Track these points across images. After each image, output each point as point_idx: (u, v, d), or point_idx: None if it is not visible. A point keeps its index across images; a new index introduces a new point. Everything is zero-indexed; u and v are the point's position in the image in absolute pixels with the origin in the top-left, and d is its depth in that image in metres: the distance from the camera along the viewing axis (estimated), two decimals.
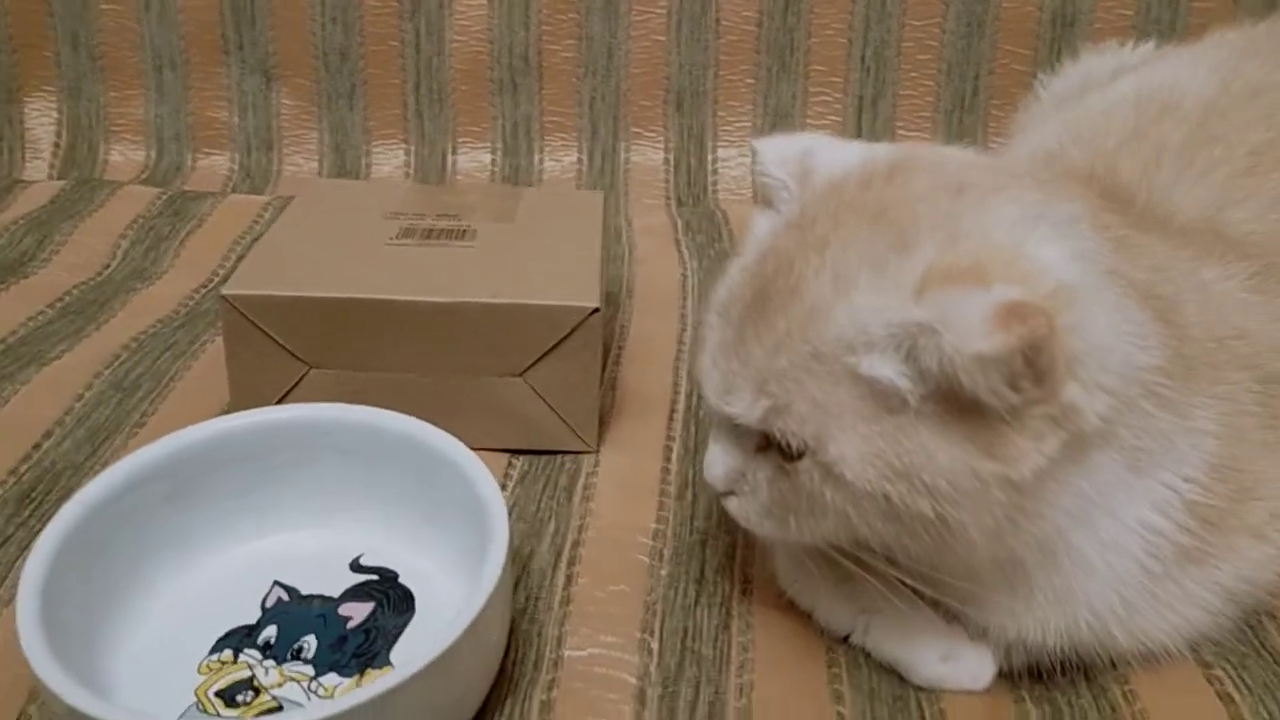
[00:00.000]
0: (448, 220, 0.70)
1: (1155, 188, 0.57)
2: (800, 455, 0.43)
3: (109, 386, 0.68)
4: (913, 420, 0.40)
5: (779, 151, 0.48)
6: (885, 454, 0.41)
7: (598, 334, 0.61)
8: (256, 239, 0.88)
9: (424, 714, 0.43)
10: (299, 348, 0.61)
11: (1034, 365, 0.38)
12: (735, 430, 0.46)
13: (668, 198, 1.05)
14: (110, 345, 0.73)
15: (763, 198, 0.49)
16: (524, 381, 0.62)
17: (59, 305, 0.78)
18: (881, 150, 0.48)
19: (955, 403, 0.40)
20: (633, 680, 0.49)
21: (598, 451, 0.64)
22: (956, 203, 0.43)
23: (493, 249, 0.66)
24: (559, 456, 0.63)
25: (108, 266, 0.85)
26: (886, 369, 0.40)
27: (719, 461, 0.47)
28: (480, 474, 0.50)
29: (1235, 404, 0.48)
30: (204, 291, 0.82)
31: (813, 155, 0.48)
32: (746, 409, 0.43)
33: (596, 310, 0.60)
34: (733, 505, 0.47)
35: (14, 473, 0.60)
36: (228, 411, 0.57)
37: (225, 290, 0.60)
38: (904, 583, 0.47)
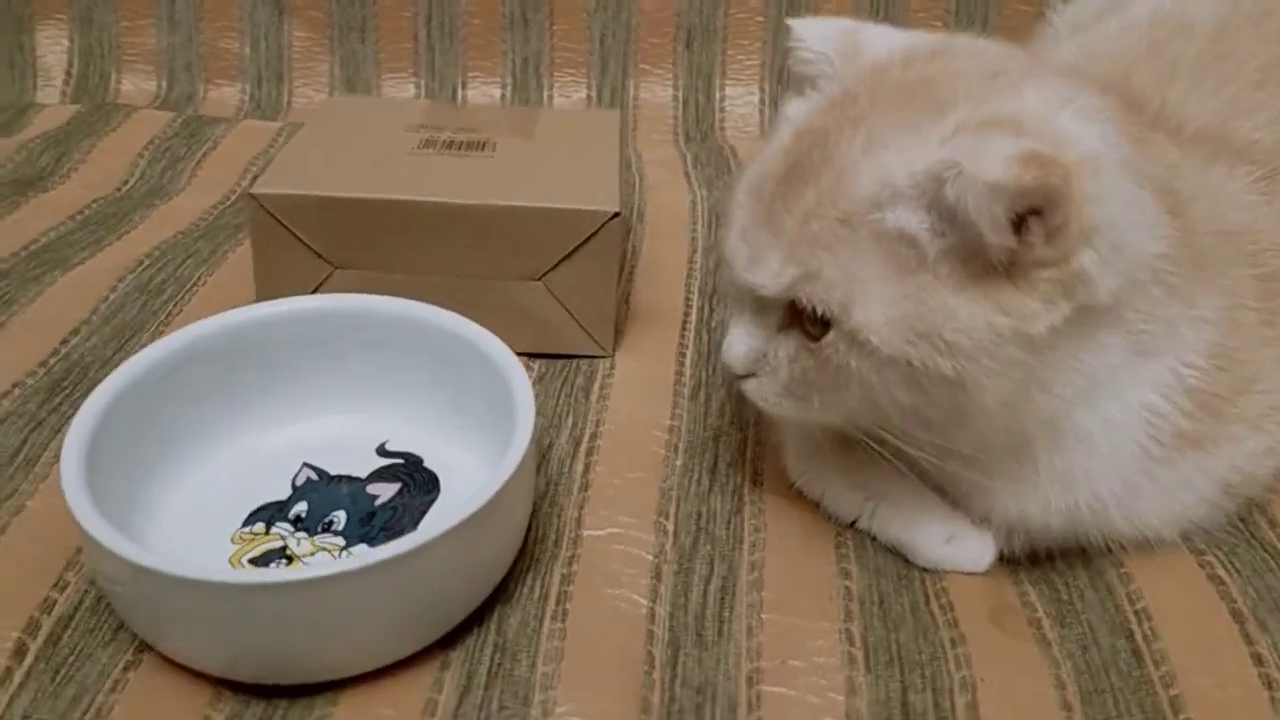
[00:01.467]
0: (467, 134, 0.71)
1: (1168, 99, 0.58)
2: (826, 326, 0.44)
3: (133, 289, 0.70)
4: (933, 280, 0.42)
5: (821, 30, 0.50)
6: (909, 316, 0.42)
7: (617, 238, 0.63)
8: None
9: (449, 578, 0.45)
10: (325, 248, 0.62)
11: (1047, 219, 0.40)
12: (758, 309, 0.48)
13: (675, 134, 1.06)
14: (133, 253, 0.74)
15: (797, 80, 0.51)
16: (543, 285, 0.63)
17: (79, 218, 0.79)
18: (923, 36, 0.50)
19: (973, 260, 0.42)
20: (649, 557, 0.51)
21: (613, 357, 0.66)
22: (993, 82, 0.45)
23: (513, 159, 0.68)
24: (575, 361, 0.65)
25: (125, 183, 0.86)
26: (910, 219, 0.42)
27: (740, 342, 0.49)
28: (506, 358, 0.52)
29: (1237, 298, 0.50)
30: (223, 207, 0.83)
31: (858, 35, 0.49)
32: (774, 278, 0.45)
33: (617, 214, 0.62)
34: (752, 386, 0.49)
35: (44, 364, 0.62)
36: None
37: (254, 189, 0.61)
38: (913, 466, 0.49)
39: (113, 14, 1.07)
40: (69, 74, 1.08)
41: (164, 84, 1.07)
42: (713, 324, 0.69)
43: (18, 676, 0.45)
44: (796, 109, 0.49)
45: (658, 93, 1.08)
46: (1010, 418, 0.45)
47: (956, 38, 0.51)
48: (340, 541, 0.50)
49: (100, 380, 0.57)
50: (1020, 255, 0.41)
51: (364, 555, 0.41)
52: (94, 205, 0.81)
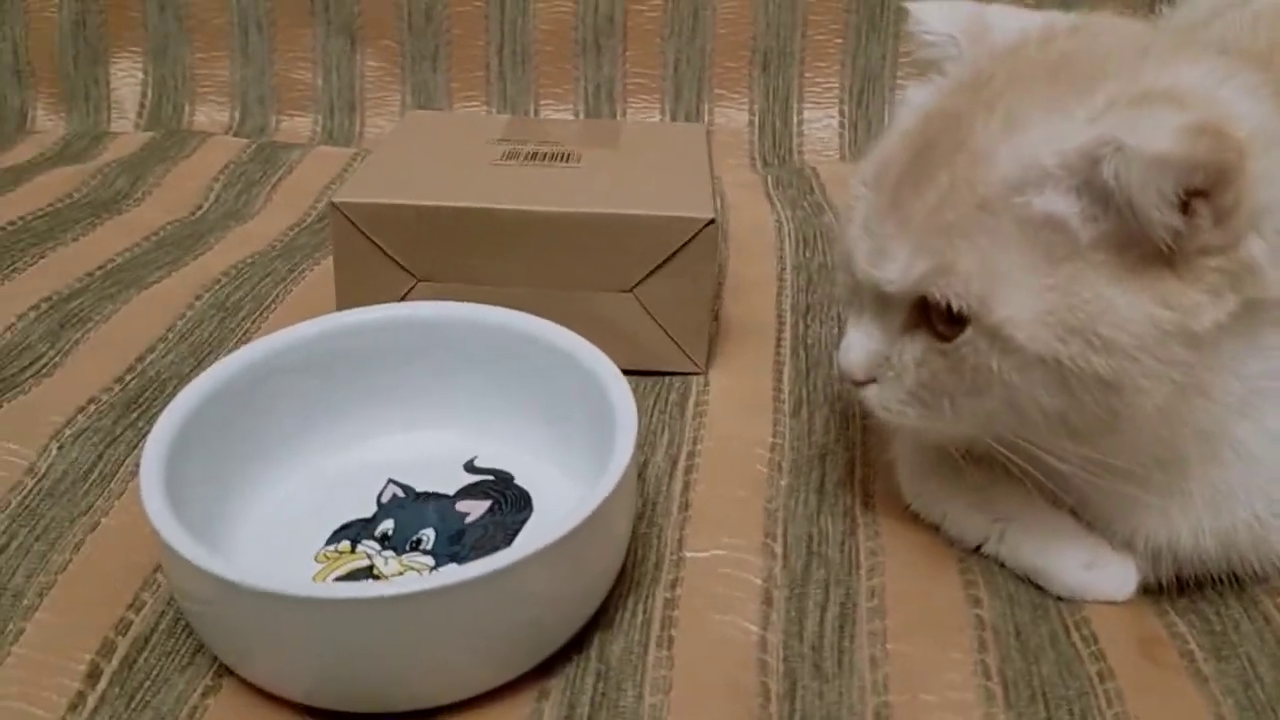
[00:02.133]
0: (550, 146, 0.69)
1: None
2: (962, 323, 0.41)
3: (210, 307, 0.68)
4: (1086, 269, 0.39)
5: (943, 11, 0.47)
6: (1058, 309, 0.39)
7: (712, 247, 0.59)
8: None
9: (548, 598, 0.41)
10: (407, 259, 0.60)
11: (1215, 199, 0.36)
12: (880, 308, 0.44)
13: (753, 158, 1.03)
14: (209, 272, 0.72)
15: (922, 66, 0.48)
16: (634, 297, 0.60)
17: (154, 239, 0.78)
18: (1056, 15, 0.46)
19: (1131, 249, 0.38)
20: (758, 581, 0.48)
21: (706, 374, 0.62)
22: (1143, 57, 0.41)
23: (599, 169, 0.65)
24: (667, 377, 0.62)
25: (201, 207, 0.85)
26: (1059, 203, 0.39)
27: (859, 346, 0.45)
28: (605, 368, 0.49)
29: None
30: (299, 229, 0.81)
31: (983, 15, 0.46)
32: (902, 273, 0.42)
33: (712, 221, 0.59)
34: (872, 394, 0.46)
35: (119, 380, 0.60)
36: None
37: (336, 198, 0.59)
38: (1049, 484, 0.45)
39: (187, 46, 1.07)
40: (143, 105, 1.08)
41: (237, 115, 1.07)
42: (809, 341, 0.66)
43: (91, 701, 0.42)
44: (919, 94, 0.46)
45: (733, 117, 1.06)
46: (1166, 426, 0.41)
47: (1095, 15, 0.47)
48: (429, 561, 0.47)
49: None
50: (1184, 241, 0.38)
51: (459, 571, 0.38)
52: (169, 227, 0.80)
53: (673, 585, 0.47)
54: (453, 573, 0.38)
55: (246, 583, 0.37)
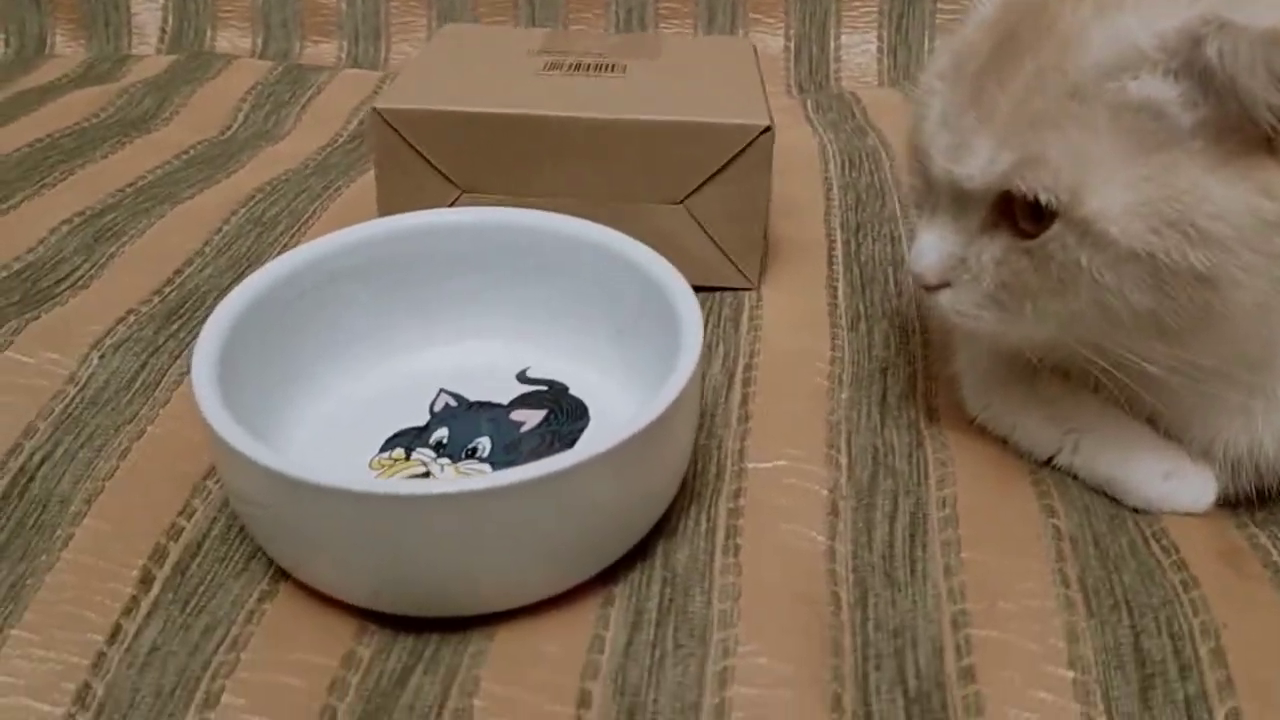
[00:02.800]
0: (593, 57, 0.66)
1: None
2: (1048, 219, 0.39)
3: (246, 222, 0.66)
4: (1183, 158, 0.37)
5: None
6: (1154, 200, 0.37)
7: (768, 156, 0.57)
8: None
9: (614, 501, 0.40)
10: (451, 169, 0.58)
11: None
12: (957, 207, 0.42)
13: (789, 85, 1.01)
14: (243, 189, 0.70)
15: None
16: (685, 209, 0.59)
17: (184, 158, 0.76)
18: None
19: (1231, 136, 0.36)
20: (823, 492, 0.46)
21: (758, 289, 0.60)
22: None
23: (647, 78, 0.63)
24: (717, 293, 0.60)
25: (229, 128, 0.83)
26: (1157, 88, 0.37)
27: (933, 248, 0.43)
28: (669, 276, 0.47)
29: None
30: (331, 149, 0.79)
31: None
32: (985, 167, 0.40)
33: (769, 129, 0.56)
34: (946, 299, 0.44)
35: (158, 293, 0.58)
36: None
37: (379, 103, 0.57)
38: (1127, 392, 0.44)
39: None
40: (163, 31, 1.05)
41: (260, 40, 1.05)
42: (861, 258, 0.64)
43: (144, 606, 0.41)
44: None
45: (768, 42, 1.03)
46: (1263, 323, 0.40)
47: None
48: (485, 468, 0.46)
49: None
50: None
51: (525, 470, 0.37)
52: (199, 147, 0.78)
53: (735, 495, 0.46)
54: (519, 472, 0.37)
55: (309, 479, 0.36)
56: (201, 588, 0.42)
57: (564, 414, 0.48)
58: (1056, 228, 0.39)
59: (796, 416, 0.50)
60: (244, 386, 0.43)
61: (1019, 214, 0.40)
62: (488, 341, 0.52)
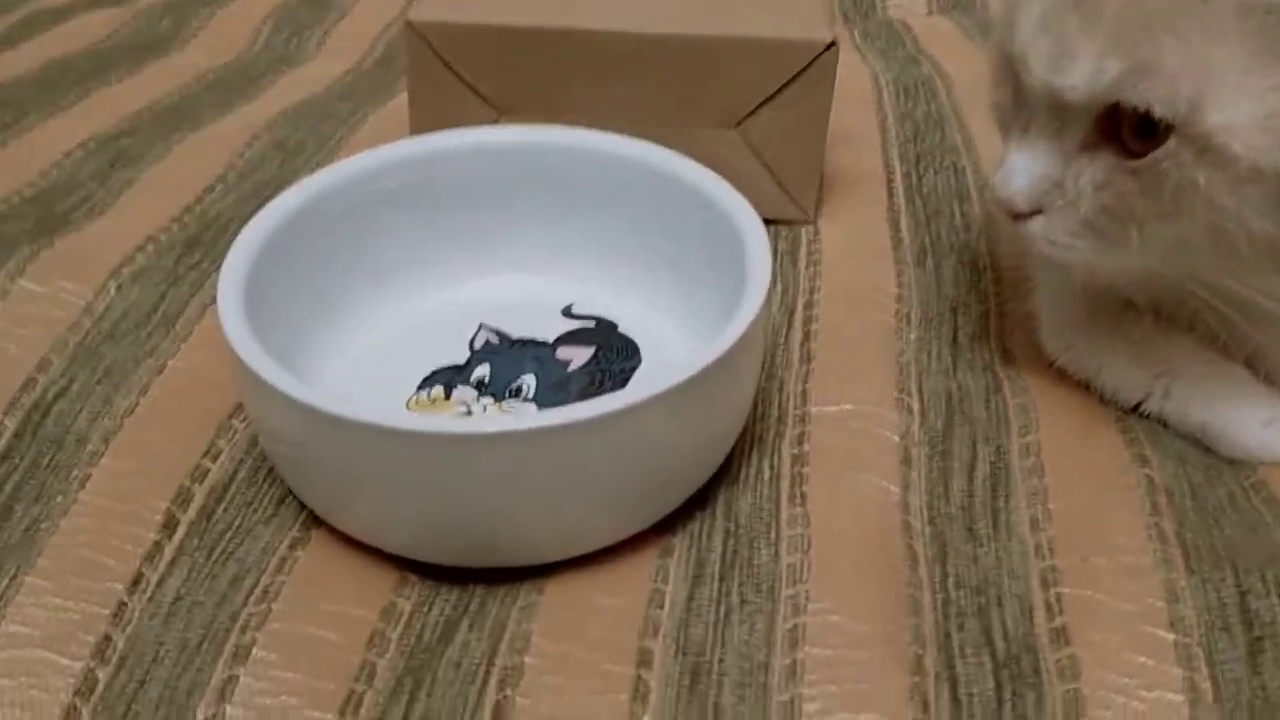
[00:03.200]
0: None
1: None
2: (1162, 134, 0.35)
3: (269, 147, 0.62)
4: None
5: None
6: None
7: (831, 75, 0.53)
8: None
9: (673, 444, 0.37)
10: (488, 88, 0.54)
11: None
12: (1054, 125, 0.38)
13: (834, 14, 0.95)
14: (265, 114, 0.67)
15: None
16: (738, 134, 0.55)
17: (204, 81, 0.72)
18: None
19: None
20: (895, 438, 0.43)
21: (815, 222, 0.57)
22: None
23: None
24: (771, 226, 0.56)
25: (250, 50, 0.79)
26: None
27: (1024, 171, 0.39)
28: (735, 203, 0.43)
29: None
30: (356, 74, 0.75)
31: None
32: (1091, 76, 0.36)
33: (833, 44, 0.52)
34: (1038, 227, 0.40)
35: (178, 220, 0.55)
36: None
37: (412, 15, 0.53)
38: (1224, 334, 0.40)
39: None
40: None
41: None
42: (923, 189, 0.60)
43: (168, 552, 0.38)
44: None
45: None
46: None
47: None
48: (531, 409, 0.42)
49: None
50: None
51: (577, 410, 0.33)
52: (219, 70, 0.74)
53: (799, 441, 0.43)
54: (572, 411, 0.33)
55: (349, 416, 0.33)
56: (229, 534, 0.39)
57: (613, 352, 0.45)
58: (1170, 144, 0.35)
59: (862, 357, 0.47)
60: (272, 317, 0.40)
61: (1126, 130, 0.36)
62: (531, 274, 0.48)
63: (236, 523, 0.39)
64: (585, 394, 0.43)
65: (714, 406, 0.38)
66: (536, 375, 0.44)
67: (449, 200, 0.47)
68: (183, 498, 0.40)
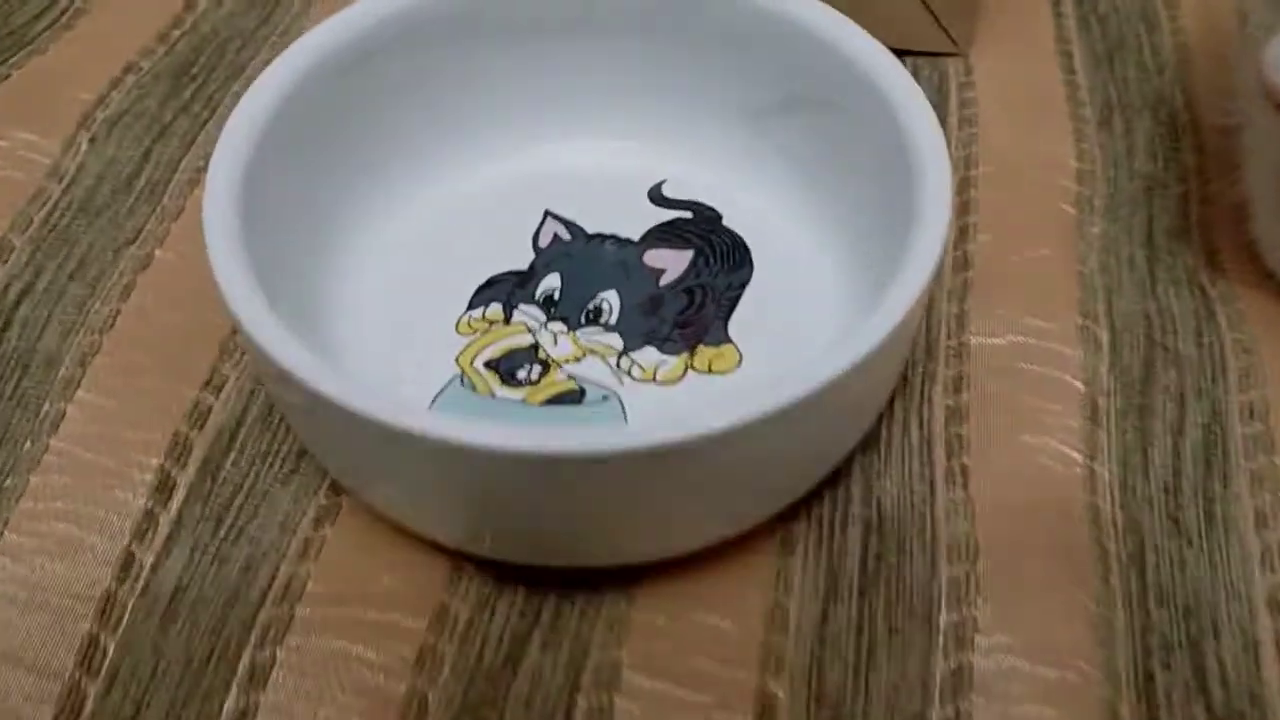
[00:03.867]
0: None
1: None
2: None
3: None
4: None
5: None
6: None
7: None
8: None
9: (814, 438, 0.28)
10: None
11: None
12: None
13: None
14: None
15: None
16: None
17: None
18: None
19: None
20: (1078, 385, 0.33)
21: (967, 57, 0.45)
22: None
23: None
24: (909, 61, 0.44)
25: None
26: None
27: None
28: (886, 66, 0.32)
29: None
30: None
31: None
32: None
33: None
34: None
35: (163, 39, 0.44)
36: None
37: None
38: None
39: None
40: None
41: None
42: (1099, 9, 0.47)
43: (164, 527, 0.31)
44: None
45: None
46: None
47: None
48: (616, 342, 0.33)
49: (243, 65, 0.39)
50: None
51: (689, 423, 0.24)
52: None
53: (956, 388, 0.33)
54: (683, 424, 0.24)
55: (392, 423, 0.24)
56: (239, 499, 0.31)
57: (717, 257, 0.35)
58: None
59: (1036, 264, 0.37)
60: (279, 222, 0.30)
61: None
62: (609, 141, 0.37)
63: (248, 483, 0.31)
64: (685, 323, 0.33)
65: (858, 404, 0.28)
66: (619, 291, 0.34)
67: (503, 34, 0.35)
68: (180, 449, 0.32)
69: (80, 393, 0.33)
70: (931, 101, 0.40)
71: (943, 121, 0.41)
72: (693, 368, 0.32)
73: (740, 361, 0.32)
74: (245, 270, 0.27)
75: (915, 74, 0.43)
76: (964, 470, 0.31)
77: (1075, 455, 0.32)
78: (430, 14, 0.34)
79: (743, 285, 0.34)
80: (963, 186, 0.39)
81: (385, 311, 0.33)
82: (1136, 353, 0.34)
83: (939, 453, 0.32)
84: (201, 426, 0.32)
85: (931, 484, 0.31)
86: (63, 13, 0.45)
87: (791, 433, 0.25)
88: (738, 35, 0.34)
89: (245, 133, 0.30)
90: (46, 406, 0.33)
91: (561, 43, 0.36)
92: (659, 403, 0.31)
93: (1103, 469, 0.32)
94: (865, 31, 0.32)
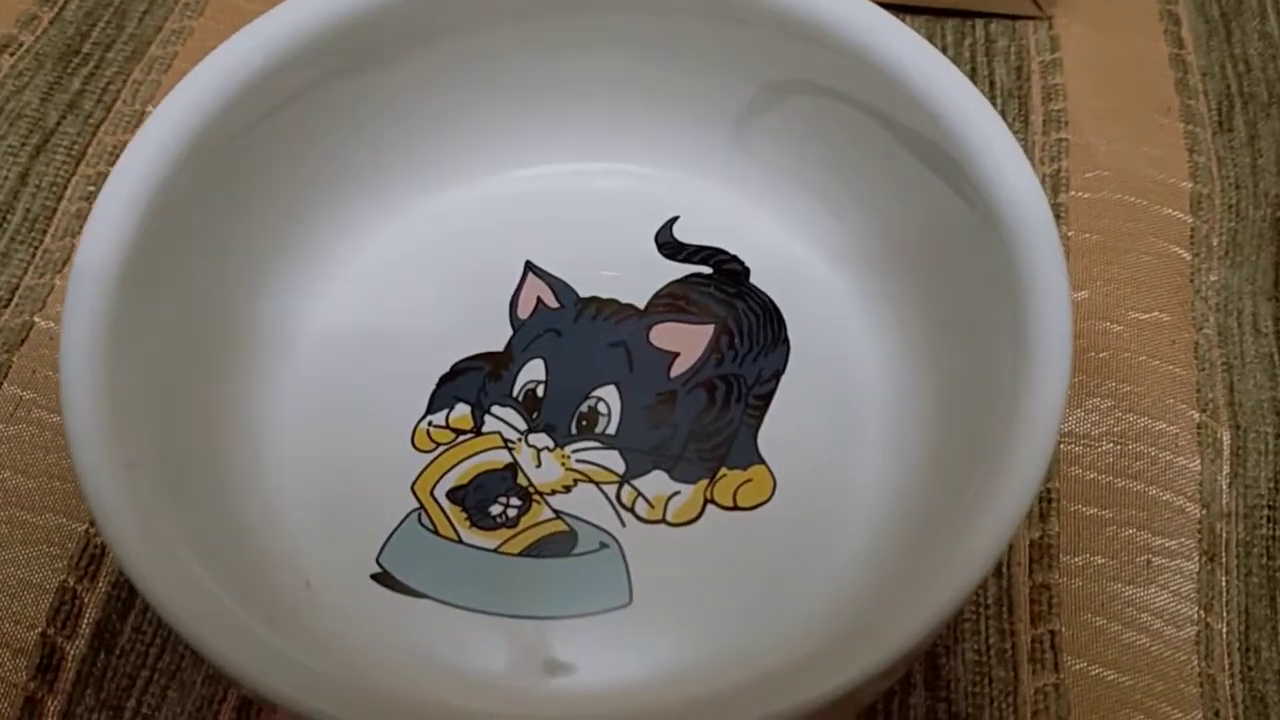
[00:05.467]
0: None
1: None
2: None
3: None
4: None
5: None
6: None
7: None
8: None
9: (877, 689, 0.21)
10: None
11: None
12: None
13: None
14: None
15: None
16: None
17: None
18: None
19: None
20: (1194, 510, 0.27)
21: (1049, 19, 0.36)
22: None
23: None
24: (981, 24, 0.35)
25: None
26: None
27: None
28: (961, 93, 0.24)
29: None
30: None
31: None
32: None
33: None
34: None
35: (49, 2, 0.35)
36: None
37: None
38: None
39: None
40: None
41: None
42: None
43: None
44: None
45: None
46: None
47: None
48: (616, 465, 0.26)
49: (147, 35, 0.31)
50: None
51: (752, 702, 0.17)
52: None
53: (1043, 514, 0.27)
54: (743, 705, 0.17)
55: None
56: (142, 677, 0.25)
57: (745, 334, 0.28)
58: None
59: (1140, 333, 0.29)
60: (168, 312, 0.23)
61: None
62: (606, 163, 0.30)
63: (152, 657, 0.25)
64: (702, 435, 0.26)
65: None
66: (620, 386, 0.27)
67: (471, 43, 0.27)
68: (68, 612, 0.25)
69: None
70: (1012, 91, 0.32)
71: (1026, 120, 0.33)
72: (713, 501, 0.25)
73: (774, 490, 0.26)
74: (110, 435, 0.20)
75: (990, 45, 0.35)
76: (1051, 640, 0.25)
77: (1189, 610, 0.26)
78: (364, 16, 0.25)
79: (776, 375, 0.27)
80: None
81: (318, 421, 0.26)
82: (1265, 460, 0.27)
83: (1020, 613, 0.25)
84: (94, 578, 0.26)
85: (1013, 665, 0.25)
86: None
87: (845, 701, 0.19)
88: (752, 26, 0.26)
89: (116, 219, 0.22)
90: None
91: (548, 53, 0.27)
92: (670, 554, 0.25)
93: (1219, 624, 0.25)
94: (954, 69, 0.24)
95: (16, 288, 0.29)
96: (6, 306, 0.29)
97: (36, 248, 0.30)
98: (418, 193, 0.29)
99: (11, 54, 0.33)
